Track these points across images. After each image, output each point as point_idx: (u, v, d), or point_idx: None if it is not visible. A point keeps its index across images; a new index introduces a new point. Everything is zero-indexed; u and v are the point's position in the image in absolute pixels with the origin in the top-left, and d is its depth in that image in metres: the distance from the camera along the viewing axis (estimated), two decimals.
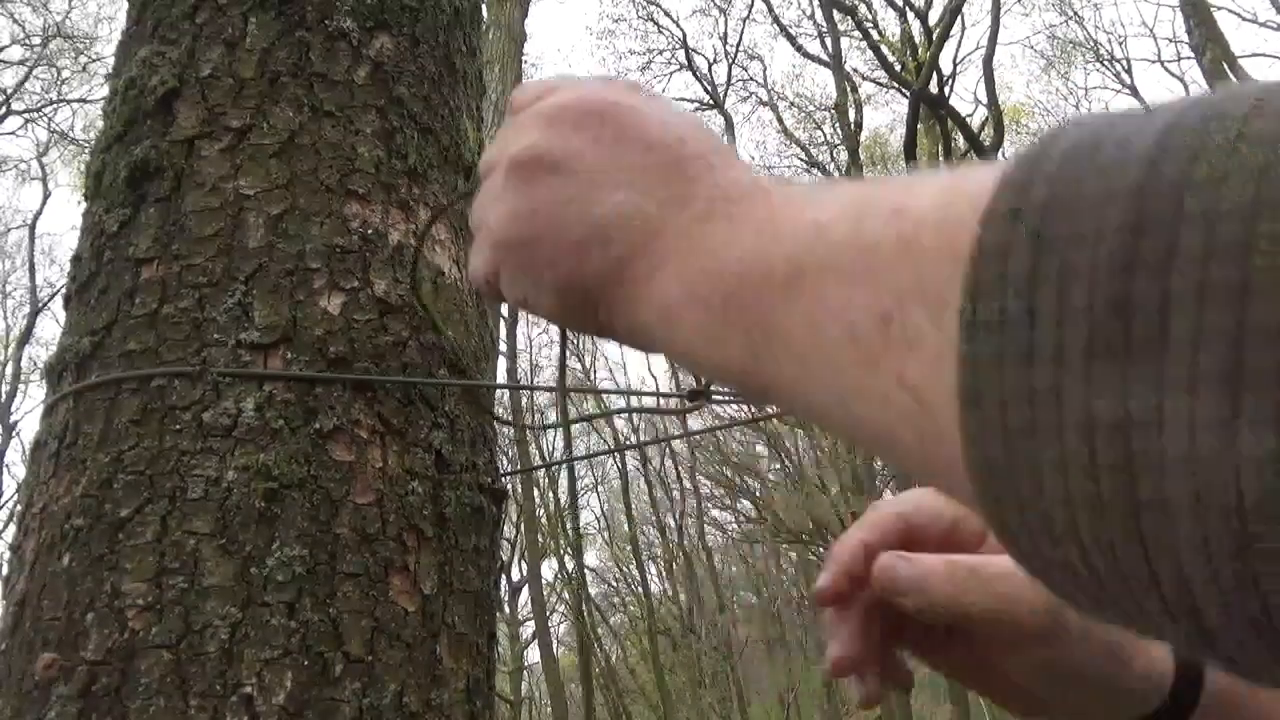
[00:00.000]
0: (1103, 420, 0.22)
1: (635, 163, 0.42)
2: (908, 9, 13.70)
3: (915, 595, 0.49)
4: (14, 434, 17.23)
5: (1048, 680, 0.51)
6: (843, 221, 0.31)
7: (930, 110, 12.87)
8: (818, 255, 0.32)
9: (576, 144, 0.43)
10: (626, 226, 0.41)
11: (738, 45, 19.08)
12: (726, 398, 0.94)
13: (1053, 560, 0.24)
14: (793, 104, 19.38)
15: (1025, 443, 0.23)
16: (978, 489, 0.25)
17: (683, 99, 20.01)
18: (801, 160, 19.12)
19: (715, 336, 0.37)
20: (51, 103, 16.74)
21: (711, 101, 19.06)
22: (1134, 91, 23.53)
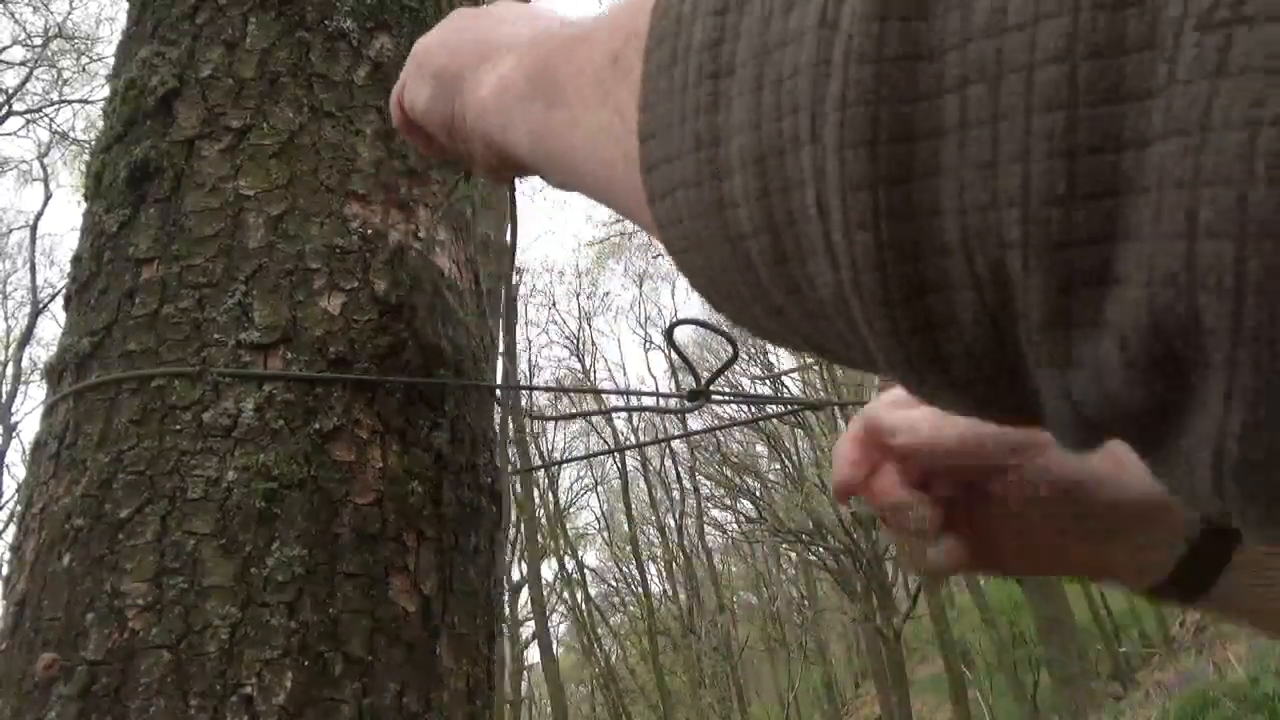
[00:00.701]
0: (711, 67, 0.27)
1: (474, 31, 0.53)
2: None
3: (905, 432, 0.54)
4: (14, 434, 17.23)
5: (1049, 520, 0.53)
6: None
7: None
8: (592, 24, 0.39)
9: (441, 29, 0.57)
10: (505, 38, 0.50)
11: None
12: (726, 398, 0.94)
13: (710, 225, 0.28)
14: None
15: (674, 106, 0.28)
16: (642, 173, 0.30)
17: None
18: None
19: (525, 97, 0.44)
20: (53, 103, 16.74)
21: None
22: None
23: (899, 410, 0.56)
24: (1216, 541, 0.52)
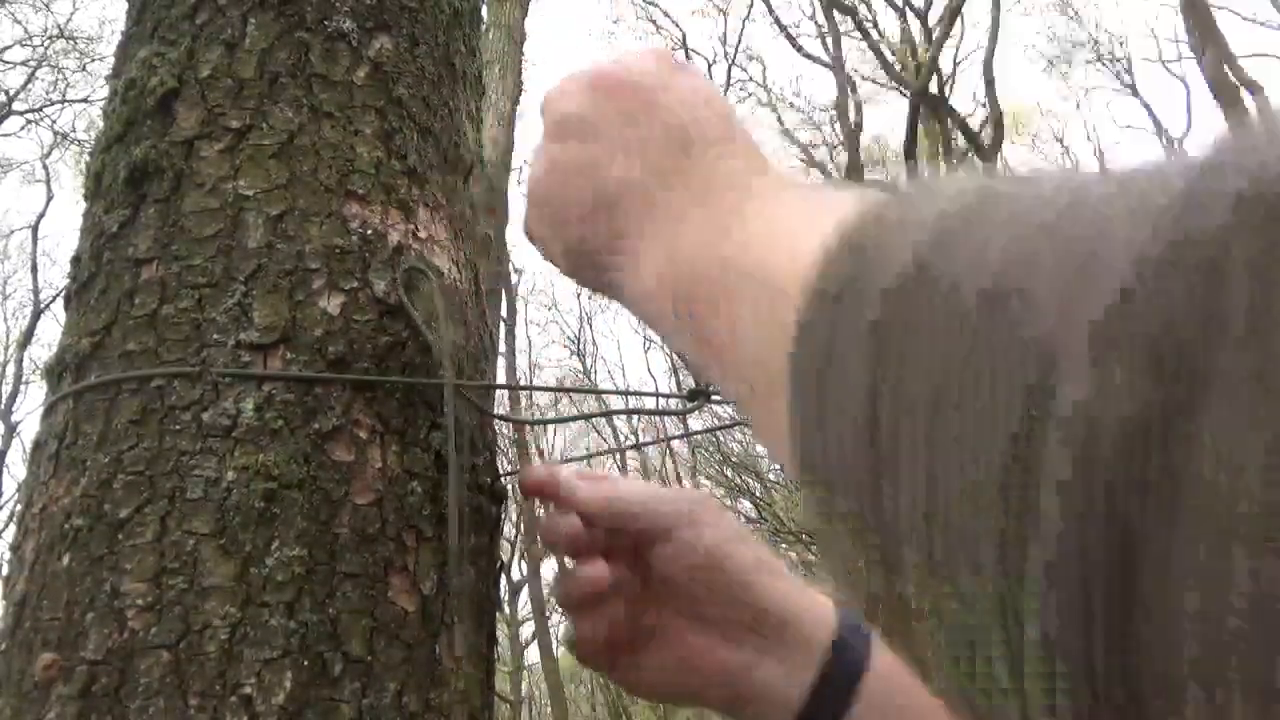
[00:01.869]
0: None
1: (648, 136, 0.45)
2: (908, 9, 13.69)
3: (586, 489, 0.61)
4: (15, 434, 17.23)
5: (698, 622, 0.59)
6: (756, 248, 0.36)
7: (930, 110, 12.86)
8: (732, 279, 0.36)
9: (606, 111, 0.47)
10: (627, 198, 0.45)
11: (737, 46, 19.09)
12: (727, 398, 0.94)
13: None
14: (792, 105, 19.36)
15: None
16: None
17: None
18: (801, 161, 19.11)
19: (676, 329, 0.41)
20: (53, 103, 16.74)
21: None
22: (1134, 91, 23.51)
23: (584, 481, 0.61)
24: (844, 673, 0.56)
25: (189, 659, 0.69)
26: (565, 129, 0.49)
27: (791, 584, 0.58)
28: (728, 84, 18.91)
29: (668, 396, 1.35)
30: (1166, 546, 0.17)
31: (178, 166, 0.86)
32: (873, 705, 0.55)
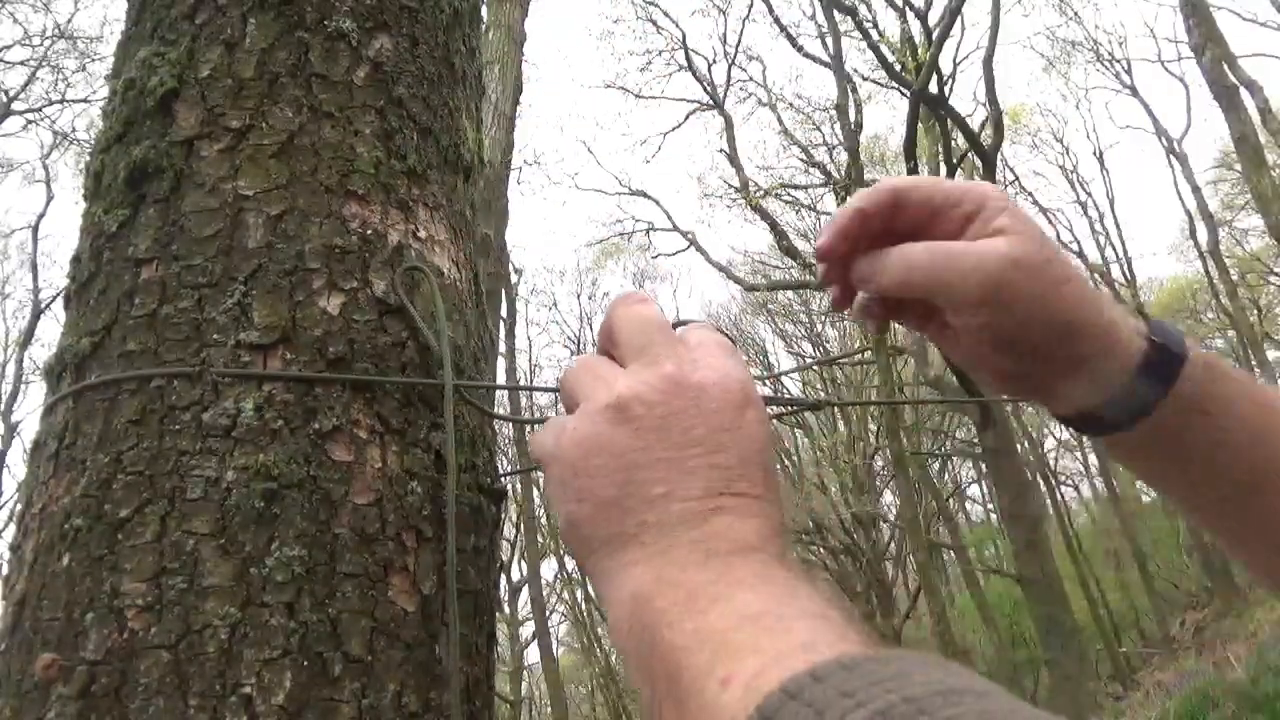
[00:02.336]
0: None
1: (690, 460, 0.49)
2: (908, 9, 13.69)
3: (876, 279, 0.61)
4: (15, 434, 17.23)
5: (993, 345, 0.60)
6: (703, 653, 0.40)
7: (930, 110, 12.87)
8: (681, 680, 0.40)
9: (666, 416, 0.50)
10: (642, 513, 0.48)
11: (737, 46, 19.09)
12: None
13: None
14: (792, 105, 19.36)
15: None
16: None
17: (682, 99, 19.99)
18: (801, 161, 19.12)
19: (631, 665, 0.45)
20: (53, 103, 16.75)
21: (711, 102, 19.06)
22: (1134, 91, 23.51)
23: (873, 256, 0.62)
24: (1158, 372, 0.58)
25: (189, 659, 0.69)
26: (623, 413, 0.50)
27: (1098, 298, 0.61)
28: (728, 84, 18.93)
29: None
30: None
31: (178, 166, 0.86)
32: (1197, 390, 0.58)
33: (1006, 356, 0.61)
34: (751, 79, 19.49)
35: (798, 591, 0.42)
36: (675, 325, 0.81)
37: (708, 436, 0.49)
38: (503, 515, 0.95)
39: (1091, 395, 0.60)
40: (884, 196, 0.61)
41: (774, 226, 16.59)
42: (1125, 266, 25.38)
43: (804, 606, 0.41)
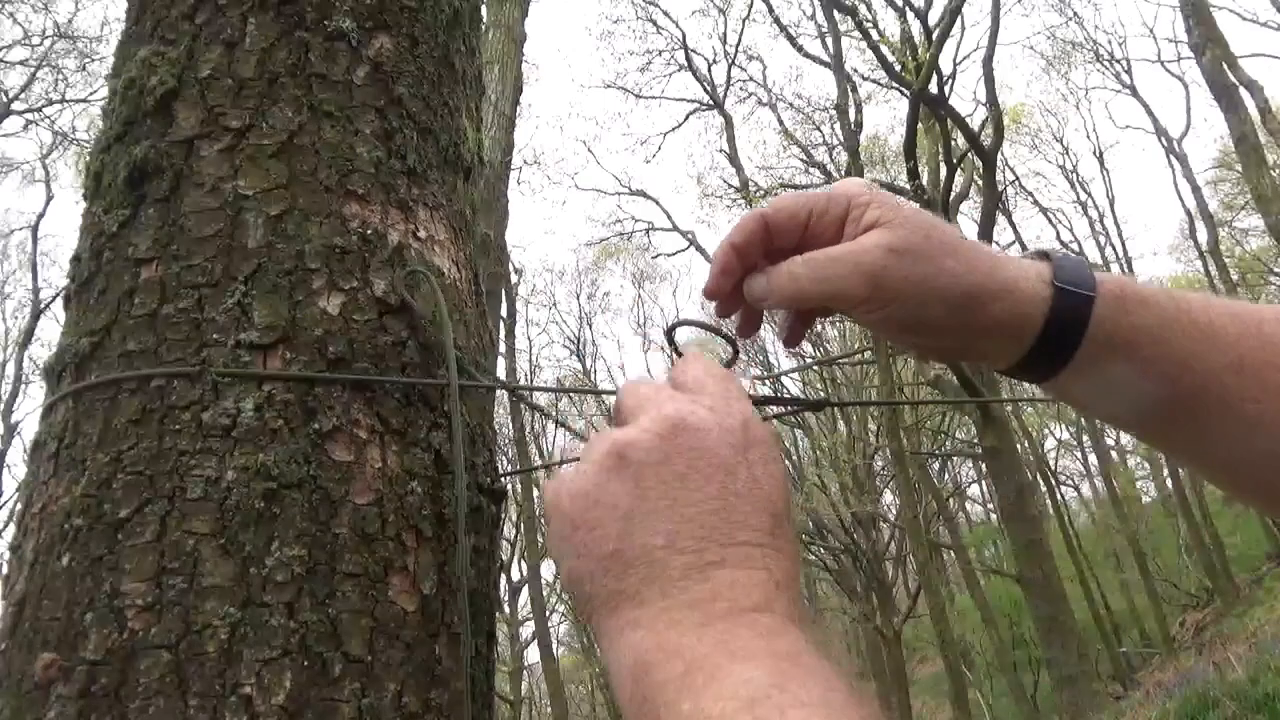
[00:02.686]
0: None
1: (689, 507, 0.47)
2: (908, 9, 13.69)
3: (768, 299, 0.62)
4: (15, 434, 17.24)
5: (899, 328, 0.62)
6: None
7: (930, 110, 12.86)
8: None
9: (663, 462, 0.49)
10: (642, 567, 0.47)
11: (737, 46, 19.08)
12: None
13: None
14: (792, 105, 19.36)
15: None
16: None
17: (682, 99, 19.99)
18: (801, 161, 19.12)
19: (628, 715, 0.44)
20: (52, 103, 16.75)
21: (711, 102, 19.05)
22: (1134, 91, 23.51)
23: (766, 273, 0.62)
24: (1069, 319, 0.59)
25: (189, 659, 0.69)
26: (618, 462, 0.50)
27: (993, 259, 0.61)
28: (728, 84, 18.92)
29: None
30: None
31: (178, 166, 0.86)
32: (1118, 325, 0.59)
33: (918, 335, 0.62)
34: (751, 79, 19.49)
35: (800, 660, 0.41)
36: (672, 328, 0.81)
37: (707, 482, 0.48)
38: (503, 515, 0.95)
39: (1013, 351, 0.61)
40: (753, 225, 0.62)
41: None
42: (1125, 266, 25.41)
43: (804, 685, 0.39)
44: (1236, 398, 0.57)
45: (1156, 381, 0.58)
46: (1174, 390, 0.58)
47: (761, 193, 17.06)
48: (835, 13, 14.30)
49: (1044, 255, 0.62)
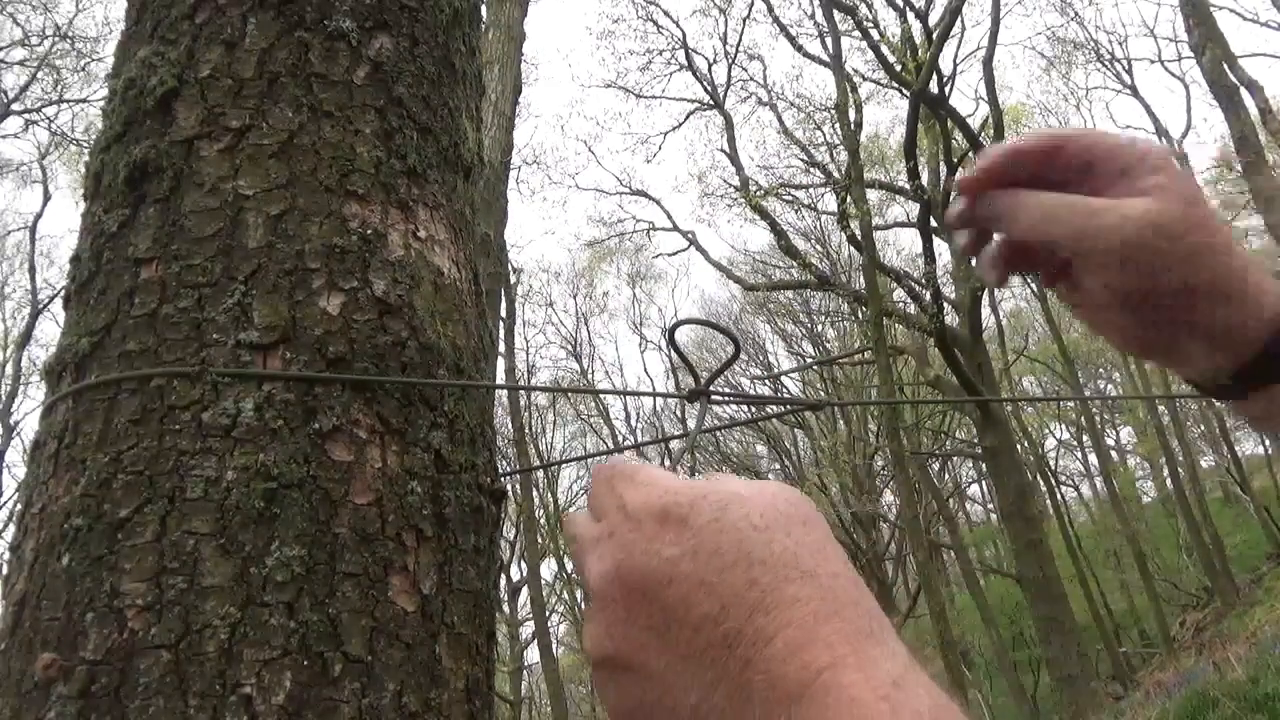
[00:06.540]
0: None
1: (688, 649, 0.40)
2: (908, 9, 13.69)
3: (1006, 222, 0.59)
4: (14, 434, 17.24)
5: (1121, 305, 0.59)
6: None
7: (930, 110, 12.87)
8: None
9: (636, 635, 0.42)
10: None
11: (738, 45, 19.07)
12: (726, 398, 0.94)
13: None
14: (792, 104, 19.35)
15: None
16: None
17: (683, 99, 19.99)
18: (801, 160, 19.11)
19: None
20: (51, 103, 16.75)
21: (711, 101, 19.06)
22: (1134, 91, 23.52)
23: (1013, 194, 0.60)
24: None
25: (189, 659, 0.69)
26: (611, 669, 0.44)
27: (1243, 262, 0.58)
28: (728, 84, 18.92)
29: (668, 396, 1.35)
30: None
31: (177, 166, 0.86)
32: None
33: (1134, 317, 0.59)
34: (752, 78, 19.49)
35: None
36: (673, 329, 0.81)
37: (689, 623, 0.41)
38: (503, 515, 0.95)
39: (1220, 360, 0.58)
40: (1044, 140, 0.60)
41: (774, 226, 16.59)
42: None
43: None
44: None
45: None
46: None
47: (762, 192, 17.05)
48: (835, 12, 14.30)
49: None
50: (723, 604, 0.39)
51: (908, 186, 12.75)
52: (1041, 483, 23.42)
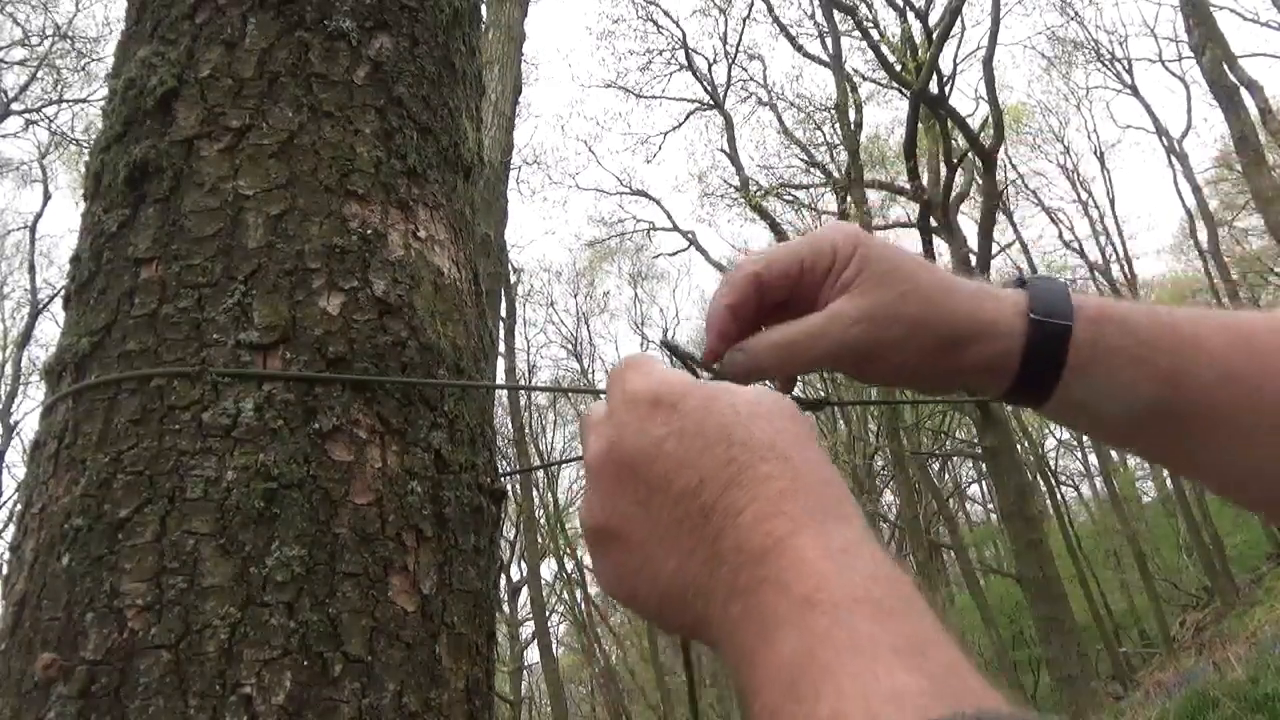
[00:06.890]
0: None
1: (668, 520, 0.44)
2: (908, 9, 13.69)
3: (758, 373, 0.60)
4: (14, 434, 17.25)
5: (883, 377, 0.62)
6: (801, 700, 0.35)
7: (930, 110, 12.87)
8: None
9: (623, 508, 0.47)
10: (685, 596, 0.44)
11: (738, 45, 19.07)
12: None
13: None
14: (792, 104, 19.36)
15: None
16: None
17: (683, 99, 19.99)
18: (801, 160, 19.11)
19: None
20: (51, 103, 16.75)
21: (711, 102, 19.06)
22: (1134, 91, 23.53)
23: (744, 349, 0.61)
24: (1047, 349, 0.59)
25: (189, 659, 0.69)
26: (601, 540, 0.48)
27: (972, 294, 0.61)
28: (728, 84, 18.92)
29: None
30: None
31: (177, 166, 0.86)
32: (1098, 350, 0.59)
33: (900, 380, 0.63)
34: (752, 78, 19.49)
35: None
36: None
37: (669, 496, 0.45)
38: (503, 515, 0.95)
39: (998, 386, 0.62)
40: (745, 284, 0.62)
41: (774, 226, 16.60)
42: (1125, 266, 25.41)
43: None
44: (1228, 410, 0.57)
45: (1141, 400, 0.59)
46: (1164, 407, 0.59)
47: (762, 192, 17.06)
48: (835, 12, 14.30)
49: (1022, 283, 0.62)
50: (701, 479, 0.43)
51: (908, 187, 12.75)
52: (1041, 483, 23.43)
